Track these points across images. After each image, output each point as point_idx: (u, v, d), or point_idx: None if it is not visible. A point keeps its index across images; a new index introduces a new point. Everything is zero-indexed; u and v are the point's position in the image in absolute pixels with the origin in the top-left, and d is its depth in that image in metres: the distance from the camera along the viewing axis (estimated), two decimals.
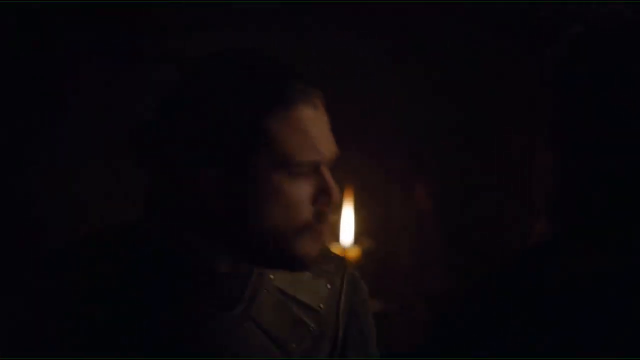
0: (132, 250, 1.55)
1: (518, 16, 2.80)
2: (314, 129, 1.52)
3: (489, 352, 1.25)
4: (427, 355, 1.34)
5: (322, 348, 1.58)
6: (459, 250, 2.81)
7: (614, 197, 1.26)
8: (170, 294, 1.52)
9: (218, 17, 2.75)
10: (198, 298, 1.51)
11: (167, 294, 1.51)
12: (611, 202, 1.27)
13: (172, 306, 1.51)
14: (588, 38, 1.29)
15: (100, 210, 2.66)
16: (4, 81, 2.72)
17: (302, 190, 1.51)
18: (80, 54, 2.70)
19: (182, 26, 2.75)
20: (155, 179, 1.53)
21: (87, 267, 1.53)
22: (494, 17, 2.84)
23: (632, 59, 1.26)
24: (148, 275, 1.52)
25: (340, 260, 1.68)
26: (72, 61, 2.72)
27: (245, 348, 1.53)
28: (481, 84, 2.86)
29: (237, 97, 1.47)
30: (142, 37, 2.72)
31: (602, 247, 1.29)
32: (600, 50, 1.28)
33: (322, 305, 1.60)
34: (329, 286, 1.62)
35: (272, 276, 1.58)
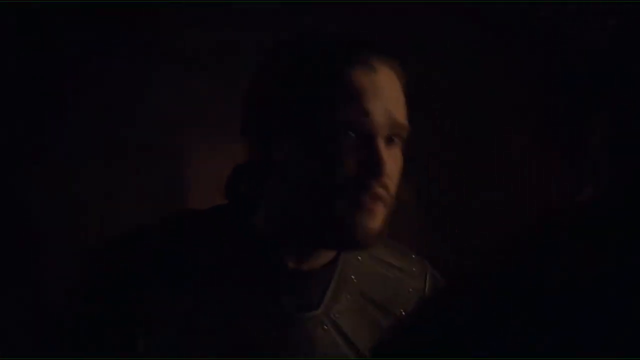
0: (208, 235, 1.52)
1: (518, 16, 2.80)
2: (368, 94, 1.48)
3: (487, 352, 1.24)
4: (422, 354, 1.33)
5: None
6: (441, 245, 2.80)
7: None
8: (247, 290, 1.49)
9: (218, 16, 2.75)
10: (277, 296, 1.50)
11: (242, 290, 1.49)
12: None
13: (249, 303, 1.49)
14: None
15: (100, 211, 2.66)
16: (4, 81, 2.72)
17: (350, 161, 1.47)
18: (80, 53, 2.70)
19: (182, 25, 2.75)
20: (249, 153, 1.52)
21: (151, 258, 1.49)
22: (494, 17, 2.84)
23: None
24: (226, 267, 1.50)
25: (420, 261, 1.66)
26: (72, 61, 2.71)
27: (322, 349, 1.51)
28: (480, 85, 2.86)
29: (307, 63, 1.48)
30: (142, 36, 2.71)
31: (602, 247, 1.28)
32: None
33: (403, 311, 1.58)
34: (411, 290, 1.61)
35: (354, 278, 1.57)
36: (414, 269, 1.63)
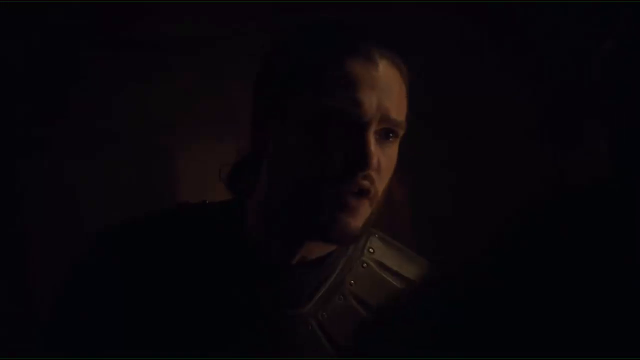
0: (204, 231, 1.52)
1: (518, 16, 2.80)
2: (363, 85, 1.45)
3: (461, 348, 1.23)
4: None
5: None
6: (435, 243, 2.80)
7: None
8: (225, 281, 1.48)
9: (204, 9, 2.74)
10: (253, 289, 1.49)
11: (236, 281, 1.49)
12: None
13: (225, 294, 1.48)
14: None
15: (100, 211, 2.66)
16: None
17: (338, 152, 1.44)
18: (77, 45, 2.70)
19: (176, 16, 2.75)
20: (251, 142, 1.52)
21: (152, 249, 1.51)
22: (494, 16, 2.83)
23: None
24: (216, 262, 1.49)
25: (421, 263, 1.63)
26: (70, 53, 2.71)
27: (303, 348, 1.50)
28: (476, 84, 2.86)
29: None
30: (135, 26, 2.71)
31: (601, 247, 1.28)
32: None
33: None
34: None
35: (352, 282, 1.55)
36: (412, 271, 1.60)
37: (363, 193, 1.45)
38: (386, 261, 1.61)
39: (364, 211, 1.46)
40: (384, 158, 1.47)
